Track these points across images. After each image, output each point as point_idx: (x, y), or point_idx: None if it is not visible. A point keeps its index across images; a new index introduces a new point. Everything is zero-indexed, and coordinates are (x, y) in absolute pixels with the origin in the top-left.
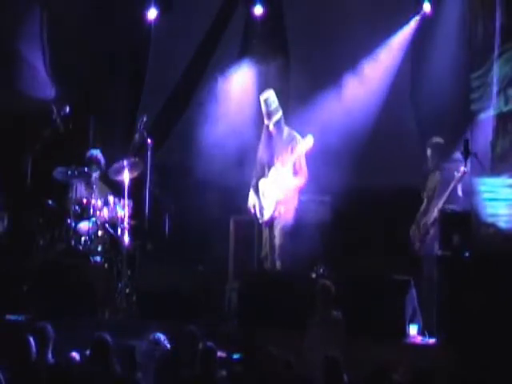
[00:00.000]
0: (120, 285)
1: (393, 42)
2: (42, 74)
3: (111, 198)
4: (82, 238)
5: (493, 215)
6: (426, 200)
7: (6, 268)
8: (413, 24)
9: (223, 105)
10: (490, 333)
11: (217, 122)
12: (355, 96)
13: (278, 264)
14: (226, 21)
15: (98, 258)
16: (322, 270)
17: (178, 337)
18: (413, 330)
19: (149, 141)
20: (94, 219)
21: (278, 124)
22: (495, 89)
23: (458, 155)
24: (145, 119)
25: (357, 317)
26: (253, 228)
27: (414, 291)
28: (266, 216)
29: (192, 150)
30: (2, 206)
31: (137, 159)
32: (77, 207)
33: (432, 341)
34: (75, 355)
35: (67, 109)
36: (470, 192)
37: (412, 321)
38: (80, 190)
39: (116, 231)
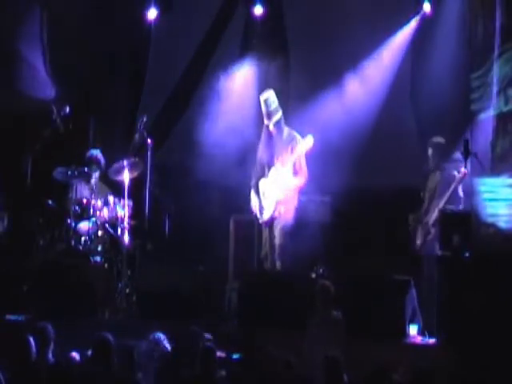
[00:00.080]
0: (120, 285)
1: (393, 42)
2: (41, 74)
3: (111, 198)
4: (82, 238)
5: (493, 215)
6: (426, 200)
7: (6, 268)
8: (413, 24)
9: (223, 105)
10: (489, 333)
11: (217, 121)
12: (355, 96)
13: (278, 264)
14: (226, 21)
15: (98, 258)
16: (321, 270)
17: (181, 337)
18: (413, 330)
19: (149, 141)
20: (93, 219)
21: (278, 124)
22: (495, 89)
23: (458, 155)
24: (145, 119)
25: (357, 317)
26: (253, 228)
27: (413, 291)
28: (266, 216)
29: (192, 150)
30: (1, 206)
31: (137, 159)
32: (77, 207)
33: (432, 341)
34: (75, 355)
35: (67, 109)
36: (470, 192)
37: (412, 321)
38: (80, 190)
39: (116, 231)
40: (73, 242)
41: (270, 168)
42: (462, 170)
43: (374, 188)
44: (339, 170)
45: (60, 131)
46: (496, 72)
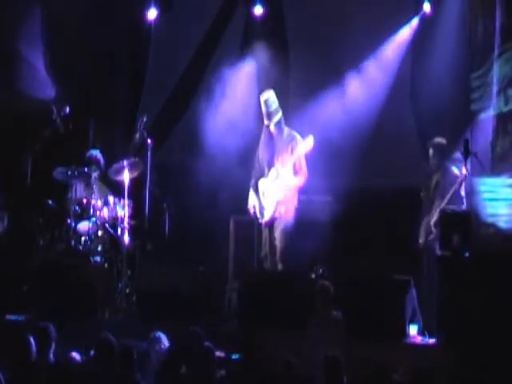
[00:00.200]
0: (120, 285)
1: (393, 42)
2: (42, 74)
3: (111, 198)
4: (82, 238)
5: (493, 215)
6: (427, 200)
7: (6, 268)
8: (413, 24)
9: (223, 105)
10: (489, 333)
11: (217, 121)
12: (355, 96)
13: (280, 266)
14: (226, 21)
15: (98, 258)
16: (321, 271)
17: (182, 337)
18: (413, 330)
19: (149, 141)
20: (93, 219)
21: (278, 124)
22: (495, 89)
23: (458, 155)
24: (145, 119)
25: (357, 317)
26: (253, 228)
27: (413, 291)
28: (267, 216)
29: (192, 150)
30: (2, 206)
31: (137, 159)
32: (77, 207)
33: (432, 341)
34: (75, 355)
35: (67, 109)
36: (470, 192)
37: (412, 321)
38: (80, 190)
39: (116, 231)
40: (73, 242)
41: (269, 168)
42: (463, 171)
43: (374, 188)
44: (339, 170)
45: (60, 131)
46: (496, 72)
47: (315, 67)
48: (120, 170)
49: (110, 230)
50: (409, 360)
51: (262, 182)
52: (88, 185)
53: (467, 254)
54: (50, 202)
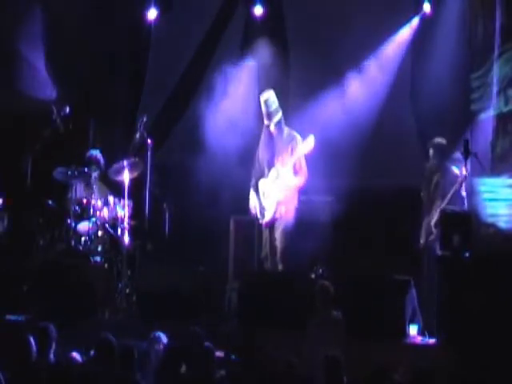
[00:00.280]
0: (120, 285)
1: (393, 42)
2: (42, 74)
3: (111, 198)
4: (82, 238)
5: (493, 215)
6: (427, 200)
7: (6, 268)
8: (413, 24)
9: (223, 105)
10: (489, 333)
11: (217, 121)
12: (355, 96)
13: (280, 267)
14: (226, 21)
15: (98, 258)
16: (321, 271)
17: (183, 337)
18: (413, 330)
19: (149, 141)
20: (93, 219)
21: (278, 124)
22: (495, 89)
23: (458, 155)
24: (145, 119)
25: (357, 317)
26: (253, 228)
27: (413, 291)
28: (268, 217)
29: (192, 150)
30: (1, 206)
31: (137, 159)
32: (77, 207)
33: (432, 341)
34: (76, 355)
35: (67, 109)
36: (470, 192)
37: (412, 321)
38: (80, 190)
39: (116, 231)
40: (73, 242)
41: (270, 168)
42: (464, 172)
43: (374, 188)
44: (339, 170)
45: (60, 131)
46: (496, 72)
47: (315, 67)
48: (120, 170)
49: (110, 230)
50: (409, 360)
51: (262, 183)
52: (88, 185)
53: (467, 254)
54: (50, 201)
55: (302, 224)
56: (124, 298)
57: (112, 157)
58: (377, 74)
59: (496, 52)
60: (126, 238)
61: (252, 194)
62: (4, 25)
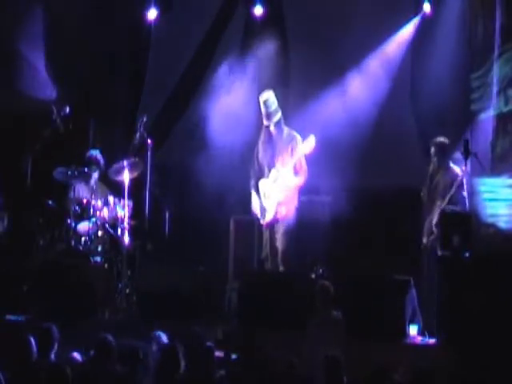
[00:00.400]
0: (120, 285)
1: (393, 42)
2: (42, 74)
3: (111, 199)
4: (82, 239)
5: (493, 215)
6: (428, 200)
7: (6, 268)
8: (413, 24)
9: (223, 105)
10: (489, 333)
11: (217, 121)
12: (355, 96)
13: (281, 268)
14: (226, 21)
15: (98, 258)
16: (321, 271)
17: (180, 337)
18: (413, 330)
19: (149, 141)
20: (93, 219)
21: (278, 125)
22: (495, 89)
23: (458, 155)
24: (145, 119)
25: (357, 317)
26: (253, 228)
27: (413, 291)
28: (268, 217)
29: (192, 150)
30: (1, 206)
31: (137, 159)
32: (77, 207)
33: (432, 341)
34: (76, 355)
35: (67, 109)
36: (470, 192)
37: (412, 321)
38: (80, 190)
39: (116, 231)
40: (73, 242)
41: (270, 169)
42: (462, 170)
43: (374, 188)
44: (339, 170)
45: (60, 131)
46: (496, 72)
47: (315, 67)
48: (120, 170)
49: (110, 230)
50: (409, 360)
51: (262, 183)
52: (88, 185)
53: (467, 254)
54: (50, 202)
55: (302, 224)
56: (124, 298)
57: (112, 157)
58: (377, 74)
59: (496, 52)
60: (126, 238)
61: (254, 194)
62: (4, 25)
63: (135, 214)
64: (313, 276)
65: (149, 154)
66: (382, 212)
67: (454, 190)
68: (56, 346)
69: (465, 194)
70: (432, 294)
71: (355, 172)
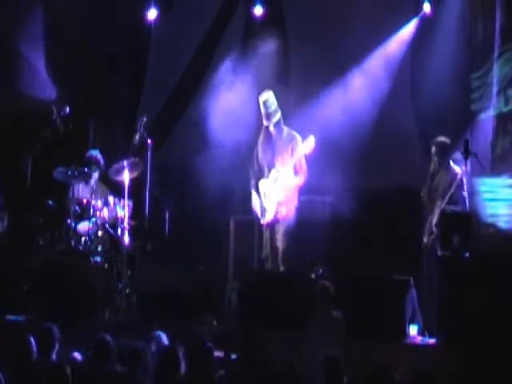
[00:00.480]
0: (120, 285)
1: (393, 42)
2: (42, 74)
3: (111, 199)
4: (82, 239)
5: (493, 215)
6: (429, 199)
7: (6, 268)
8: (413, 24)
9: (223, 105)
10: (489, 333)
11: (217, 121)
12: (355, 96)
13: (282, 268)
14: (226, 21)
15: (98, 258)
16: (321, 271)
17: (180, 337)
18: (413, 330)
19: (149, 141)
20: (93, 219)
21: (277, 125)
22: (495, 89)
23: (458, 155)
24: (145, 119)
25: (357, 317)
26: (253, 228)
27: (413, 291)
28: (269, 217)
29: (192, 150)
30: (2, 206)
31: (137, 159)
32: (77, 207)
33: (432, 341)
34: (77, 355)
35: (67, 109)
36: (470, 192)
37: (412, 321)
38: (80, 190)
39: (116, 231)
40: (73, 242)
41: (270, 169)
42: (462, 170)
43: (374, 188)
44: (339, 170)
45: (60, 131)
46: (496, 72)
47: (315, 67)
48: (120, 170)
49: (110, 230)
50: (409, 360)
51: (262, 183)
52: (88, 185)
53: (467, 254)
54: (50, 202)
55: (302, 224)
56: (124, 298)
57: (112, 157)
58: (377, 74)
59: (496, 52)
60: (126, 238)
61: (254, 194)
62: (4, 25)
63: (135, 213)
64: (313, 276)
65: (149, 154)
66: (382, 212)
67: (453, 189)
68: (57, 346)
69: (465, 194)
70: (432, 293)
71: (355, 172)
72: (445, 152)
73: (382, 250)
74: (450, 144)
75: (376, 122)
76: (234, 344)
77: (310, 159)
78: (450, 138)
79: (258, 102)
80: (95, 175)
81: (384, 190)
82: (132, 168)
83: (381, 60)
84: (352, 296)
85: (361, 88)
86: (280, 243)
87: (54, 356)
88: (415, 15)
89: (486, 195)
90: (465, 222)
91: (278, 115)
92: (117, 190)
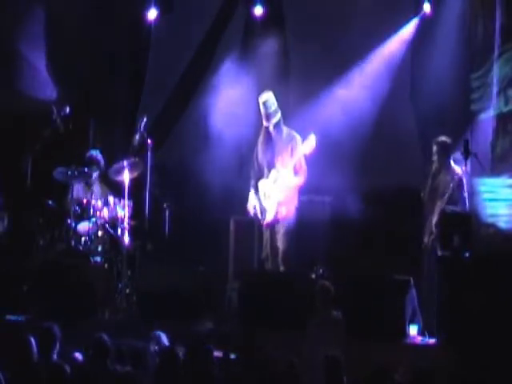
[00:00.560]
0: (120, 285)
1: (393, 42)
2: (42, 74)
3: (111, 199)
4: (82, 239)
5: (493, 215)
6: (429, 199)
7: (6, 268)
8: (413, 24)
9: (223, 105)
10: (489, 333)
11: (217, 121)
12: (355, 96)
13: (282, 268)
14: (226, 21)
15: (98, 259)
16: (321, 271)
17: (180, 337)
18: (413, 330)
19: (149, 141)
20: (94, 219)
21: (277, 125)
22: (495, 89)
23: (458, 155)
24: (145, 119)
25: (357, 317)
26: (253, 228)
27: (413, 291)
28: (269, 218)
29: (192, 150)
30: (2, 206)
31: (137, 159)
32: (77, 207)
33: (432, 341)
34: (78, 355)
35: (67, 109)
36: (470, 192)
37: (412, 321)
38: (80, 190)
39: (116, 231)
40: (73, 242)
41: (270, 169)
42: (463, 169)
43: (374, 188)
44: (339, 170)
45: (60, 131)
46: (496, 72)
47: (315, 67)
48: (120, 170)
49: (110, 230)
50: (409, 360)
51: (262, 183)
52: (88, 185)
53: (467, 254)
54: (50, 202)
55: (302, 224)
56: (124, 298)
57: (112, 157)
58: (377, 74)
59: (496, 52)
60: (126, 238)
61: (252, 194)
62: (4, 25)
63: (135, 214)
64: (313, 276)
65: (149, 154)
66: (382, 212)
67: (451, 189)
68: (58, 346)
69: (465, 194)
70: (432, 293)
71: (355, 172)
72: (446, 152)
73: (382, 250)
74: (451, 144)
75: (376, 121)
76: (234, 344)
77: (310, 159)
78: (450, 138)
79: (258, 102)
80: (95, 175)
81: (384, 189)
82: (132, 168)
83: (381, 60)
84: (352, 296)
85: (361, 88)
86: (280, 243)
87: (55, 356)
88: (415, 15)
89: (486, 195)
90: (465, 222)
91: (278, 116)
92: (117, 190)
